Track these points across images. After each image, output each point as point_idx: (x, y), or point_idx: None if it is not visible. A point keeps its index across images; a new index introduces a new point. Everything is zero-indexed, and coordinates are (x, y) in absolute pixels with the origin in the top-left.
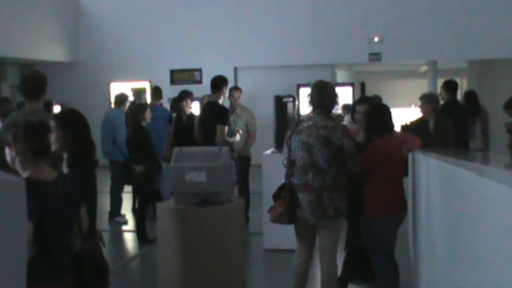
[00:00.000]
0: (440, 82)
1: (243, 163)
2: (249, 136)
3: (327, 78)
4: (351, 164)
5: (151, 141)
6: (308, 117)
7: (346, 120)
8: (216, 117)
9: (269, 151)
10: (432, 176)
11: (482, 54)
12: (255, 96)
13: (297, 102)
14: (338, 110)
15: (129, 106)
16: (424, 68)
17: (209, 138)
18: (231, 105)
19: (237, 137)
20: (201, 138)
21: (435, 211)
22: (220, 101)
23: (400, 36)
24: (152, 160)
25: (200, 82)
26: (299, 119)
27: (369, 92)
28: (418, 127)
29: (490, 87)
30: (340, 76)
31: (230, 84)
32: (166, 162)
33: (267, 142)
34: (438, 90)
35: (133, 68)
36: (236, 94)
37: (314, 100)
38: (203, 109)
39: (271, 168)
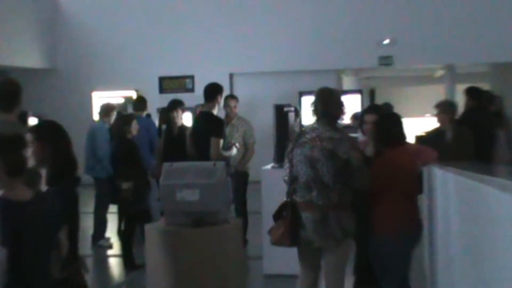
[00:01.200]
0: (459, 88)
1: (241, 180)
2: (246, 150)
3: (332, 85)
4: (359, 180)
5: (139, 156)
6: (312, 128)
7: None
8: (210, 129)
9: (268, 166)
10: (450, 193)
11: (506, 56)
12: (253, 105)
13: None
14: (343, 120)
15: (115, 117)
16: (440, 72)
17: (202, 152)
18: (227, 115)
19: (234, 151)
20: (193, 152)
21: (454, 231)
22: (215, 111)
23: (414, 37)
24: (140, 176)
25: (192, 90)
26: (301, 130)
27: (379, 100)
28: (434, 138)
29: None
30: (347, 82)
31: (226, 92)
32: (155, 178)
33: (267, 156)
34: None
35: (117, 75)
36: (232, 103)
37: (318, 109)
38: (196, 120)
39: (271, 184)
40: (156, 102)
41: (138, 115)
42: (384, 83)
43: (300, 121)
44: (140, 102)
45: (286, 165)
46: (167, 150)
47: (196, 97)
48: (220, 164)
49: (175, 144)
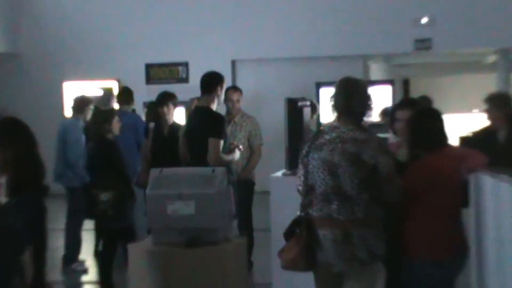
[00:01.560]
0: None
1: (245, 189)
2: (252, 153)
3: (357, 74)
4: (390, 190)
5: (121, 160)
6: (332, 127)
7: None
8: (208, 127)
9: (279, 173)
10: (505, 206)
11: None
12: (260, 99)
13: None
14: (370, 117)
15: (92, 113)
16: (491, 58)
17: (198, 155)
18: (228, 111)
19: (237, 155)
20: (187, 156)
21: (509, 254)
22: (214, 106)
23: (458, 15)
24: (122, 184)
25: (186, 80)
26: (319, 129)
27: (415, 93)
28: (484, 140)
29: None
30: (375, 71)
31: (227, 83)
32: (140, 188)
33: (277, 161)
34: None
35: (94, 62)
36: (235, 96)
37: (339, 104)
38: (191, 117)
39: (281, 195)
40: (142, 94)
41: (123, 111)
42: (421, 71)
43: (318, 118)
44: (126, 95)
45: (301, 172)
46: (155, 154)
47: (191, 89)
48: (220, 170)
49: (165, 146)
